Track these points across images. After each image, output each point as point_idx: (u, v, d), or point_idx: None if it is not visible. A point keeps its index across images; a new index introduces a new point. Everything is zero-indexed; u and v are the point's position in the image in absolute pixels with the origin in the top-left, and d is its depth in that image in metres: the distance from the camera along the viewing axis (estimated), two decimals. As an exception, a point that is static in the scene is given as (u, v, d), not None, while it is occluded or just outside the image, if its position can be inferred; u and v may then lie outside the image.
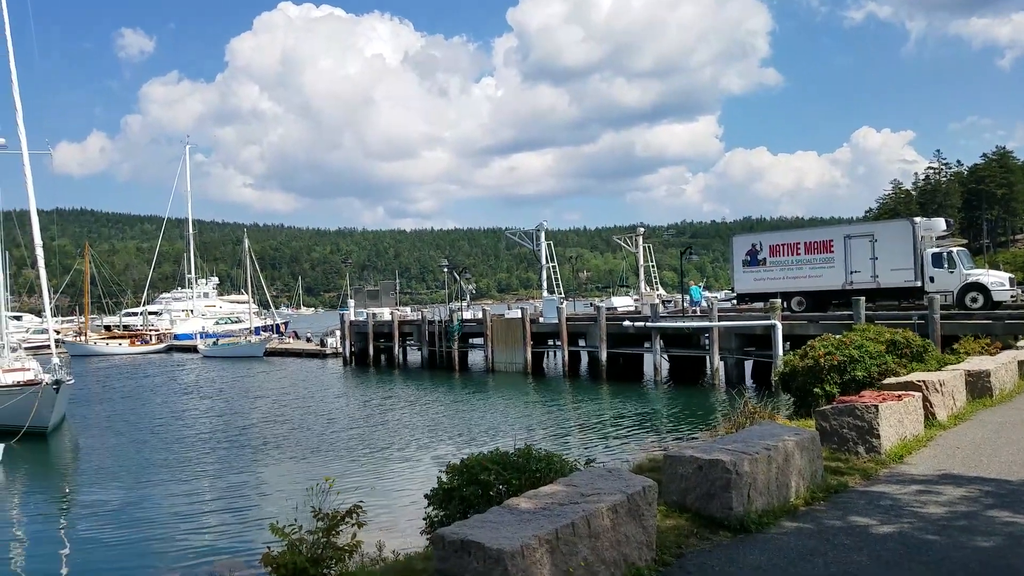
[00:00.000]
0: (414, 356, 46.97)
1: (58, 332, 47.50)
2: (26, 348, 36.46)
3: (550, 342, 38.24)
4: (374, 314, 48.33)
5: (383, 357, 47.82)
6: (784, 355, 19.48)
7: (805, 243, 30.67)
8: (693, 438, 18.77)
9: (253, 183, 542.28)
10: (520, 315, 37.32)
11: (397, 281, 62.32)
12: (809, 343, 14.65)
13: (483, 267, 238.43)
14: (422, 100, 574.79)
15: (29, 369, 28.66)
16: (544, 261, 42.40)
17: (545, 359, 40.56)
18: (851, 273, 29.19)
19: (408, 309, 56.98)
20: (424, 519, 9.45)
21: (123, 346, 69.81)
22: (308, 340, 65.61)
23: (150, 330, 79.30)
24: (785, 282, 30.69)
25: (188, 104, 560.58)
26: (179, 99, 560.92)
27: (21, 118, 29.18)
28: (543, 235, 42.11)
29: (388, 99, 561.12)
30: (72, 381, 27.31)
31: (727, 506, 6.33)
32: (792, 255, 30.78)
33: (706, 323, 29.80)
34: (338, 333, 53.50)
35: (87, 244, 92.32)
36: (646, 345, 32.56)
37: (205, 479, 18.25)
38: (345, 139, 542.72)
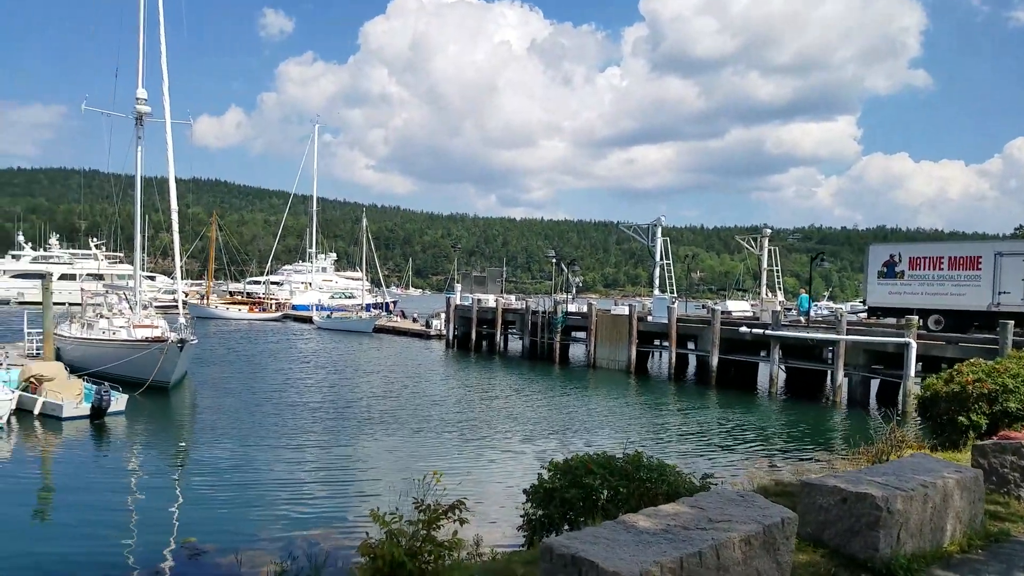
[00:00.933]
0: (515, 344, 46.90)
1: (186, 294, 50.59)
2: (156, 307, 38.91)
3: (657, 342, 37.03)
4: (479, 300, 48.61)
5: (484, 343, 48.02)
6: (920, 377, 17.78)
7: (949, 258, 28.06)
8: (813, 460, 17.46)
9: (375, 165, 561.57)
10: (627, 312, 36.34)
11: (504, 269, 62.42)
12: (956, 367, 13.11)
13: (591, 260, 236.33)
14: (545, 88, 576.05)
15: (157, 327, 30.48)
16: (658, 258, 41.08)
17: (650, 359, 39.38)
18: (999, 294, 26.51)
19: (512, 297, 56.99)
20: (522, 516, 9.00)
21: (242, 312, 73.69)
22: (414, 320, 66.90)
23: (270, 299, 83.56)
24: (923, 298, 28.28)
25: (321, 84, 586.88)
26: (313, 79, 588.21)
27: (167, 89, 31.00)
28: (659, 231, 40.78)
29: (511, 86, 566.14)
30: (195, 341, 28.82)
31: (872, 546, 5.54)
32: (933, 270, 28.26)
33: (832, 335, 27.81)
34: (443, 316, 54.21)
35: (215, 213, 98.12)
36: (762, 354, 30.77)
37: (310, 448, 18.64)
38: (466, 125, 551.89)
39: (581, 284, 47.57)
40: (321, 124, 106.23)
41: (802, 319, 31.71)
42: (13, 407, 20.49)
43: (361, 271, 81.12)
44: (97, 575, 10.80)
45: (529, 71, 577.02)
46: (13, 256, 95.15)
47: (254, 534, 12.42)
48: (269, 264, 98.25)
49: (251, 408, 24.06)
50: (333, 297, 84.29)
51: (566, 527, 8.48)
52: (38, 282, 68.19)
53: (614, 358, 36.45)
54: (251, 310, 75.19)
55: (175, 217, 31.42)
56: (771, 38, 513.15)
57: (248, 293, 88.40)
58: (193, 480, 15.83)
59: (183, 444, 19.60)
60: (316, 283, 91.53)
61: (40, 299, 31.42)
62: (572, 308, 42.20)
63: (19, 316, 35.67)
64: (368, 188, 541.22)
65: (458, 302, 50.65)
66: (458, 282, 58.26)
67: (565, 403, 27.25)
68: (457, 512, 6.13)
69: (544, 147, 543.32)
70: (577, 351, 42.37)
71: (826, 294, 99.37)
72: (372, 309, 71.89)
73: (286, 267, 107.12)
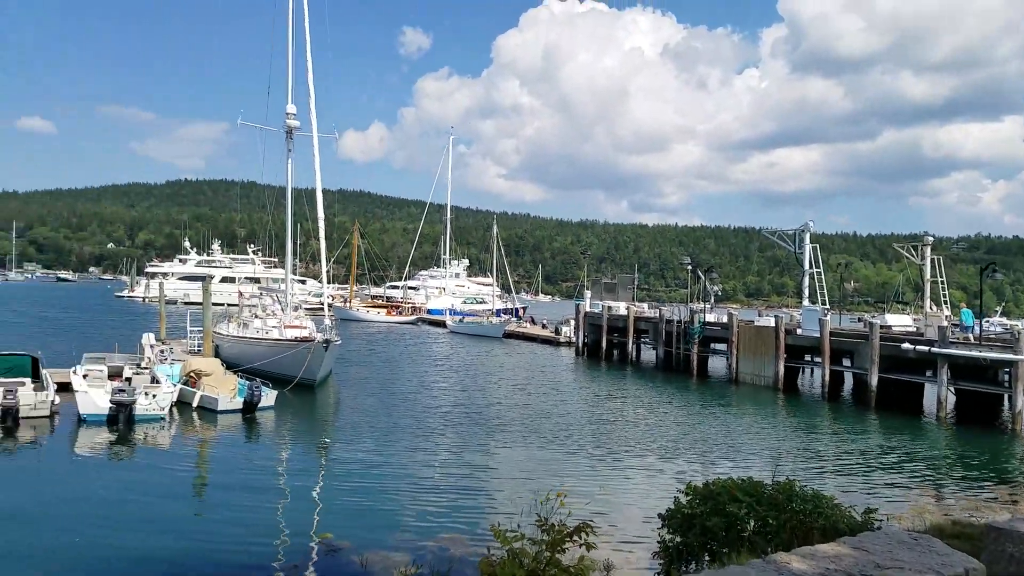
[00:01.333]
0: (648, 355, 45.53)
1: (331, 298, 53.30)
2: (305, 309, 41.13)
3: (807, 357, 34.51)
4: (609, 307, 47.70)
5: (615, 352, 47.01)
6: None
7: None
8: (992, 496, 15.39)
9: (506, 174, 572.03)
10: (774, 323, 34.11)
11: (636, 275, 61.01)
12: None
13: (730, 268, 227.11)
14: (678, 92, 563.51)
15: (306, 328, 32.10)
16: (807, 266, 38.39)
17: (800, 376, 36.84)
18: None
19: (645, 305, 55.55)
20: (659, 542, 8.40)
21: (380, 315, 76.85)
22: (544, 327, 66.88)
23: (407, 303, 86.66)
24: None
25: (456, 98, 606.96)
26: (448, 93, 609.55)
27: (313, 104, 32.65)
28: (807, 237, 38.10)
29: (643, 92, 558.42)
30: (339, 342, 30.06)
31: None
32: None
33: (1009, 355, 24.66)
34: (572, 323, 53.71)
35: (356, 222, 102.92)
36: (928, 373, 27.70)
37: (442, 453, 18.77)
38: (597, 132, 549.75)
39: (720, 292, 45.41)
40: (455, 136, 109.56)
41: (969, 336, 28.37)
42: (174, 399, 22.10)
43: (492, 277, 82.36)
44: (241, 560, 11.26)
45: (661, 75, 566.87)
46: (180, 260, 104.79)
47: (386, 534, 12.50)
48: (407, 270, 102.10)
49: (388, 409, 24.70)
50: (465, 302, 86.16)
51: (706, 558, 7.80)
52: (201, 284, 74.50)
53: (759, 373, 34.30)
54: (388, 313, 78.29)
55: (322, 225, 32.96)
56: (923, 34, 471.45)
57: (388, 297, 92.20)
58: (332, 476, 16.30)
59: (325, 440, 20.35)
60: (449, 288, 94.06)
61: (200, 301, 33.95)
62: (711, 318, 40.34)
63: (184, 315, 38.93)
64: (499, 196, 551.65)
65: (588, 309, 49.96)
66: (588, 289, 57.56)
67: (703, 419, 25.91)
68: (583, 535, 5.68)
69: (677, 151, 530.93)
70: (716, 364, 40.50)
71: (998, 309, 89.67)
72: (502, 314, 72.73)
73: (422, 272, 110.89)
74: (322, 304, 34.54)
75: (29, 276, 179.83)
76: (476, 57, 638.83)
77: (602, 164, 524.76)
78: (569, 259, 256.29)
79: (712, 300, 43.75)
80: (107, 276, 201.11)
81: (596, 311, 48.49)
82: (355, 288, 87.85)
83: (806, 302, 37.85)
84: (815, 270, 38.34)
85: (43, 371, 22.41)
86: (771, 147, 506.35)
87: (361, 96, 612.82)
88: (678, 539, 8.04)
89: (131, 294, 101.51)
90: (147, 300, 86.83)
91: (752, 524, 7.60)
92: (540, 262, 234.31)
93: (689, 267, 50.24)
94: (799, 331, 33.88)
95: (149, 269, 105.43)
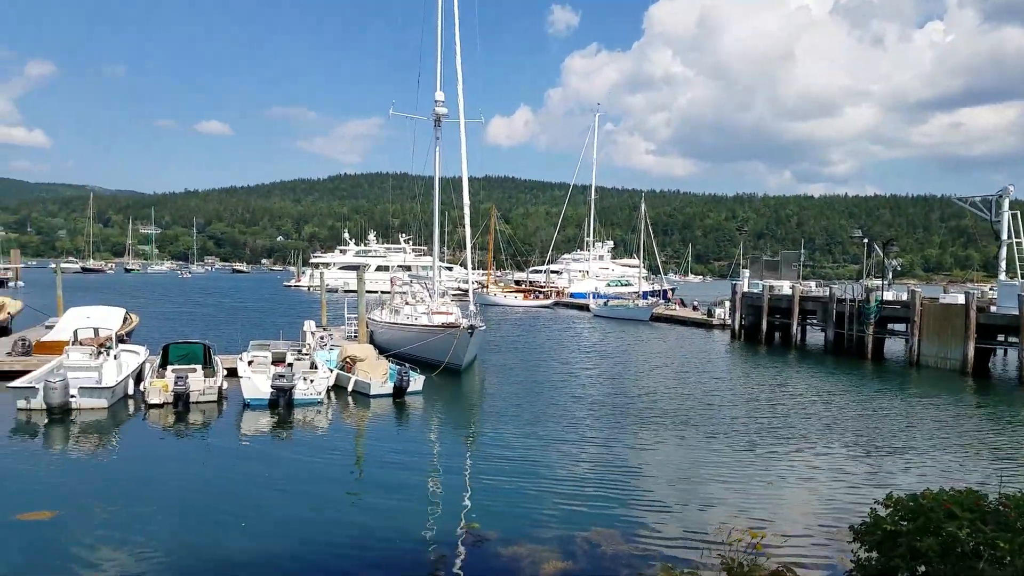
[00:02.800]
0: (814, 337, 42.26)
1: (477, 284, 54.03)
2: (452, 295, 41.72)
3: (1001, 337, 30.34)
4: (771, 286, 44.63)
5: (777, 334, 43.99)
6: None
7: None
8: None
9: (655, 149, 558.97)
10: (963, 300, 30.17)
11: (800, 251, 56.72)
12: None
13: (907, 240, 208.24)
14: (849, 52, 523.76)
15: (452, 314, 32.35)
16: (1005, 236, 33.66)
17: (992, 358, 32.51)
18: None
19: (812, 284, 51.59)
20: (853, 560, 7.13)
21: (518, 299, 77.22)
22: (694, 308, 64.41)
23: (550, 287, 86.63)
24: None
25: (604, 73, 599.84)
26: (596, 69, 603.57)
27: (461, 89, 32.56)
28: (1006, 204, 33.37)
29: (809, 53, 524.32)
30: (484, 327, 29.92)
31: None
32: None
33: None
34: (727, 304, 51.16)
35: (493, 207, 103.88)
36: None
37: (589, 443, 17.84)
38: (756, 99, 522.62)
39: (899, 268, 41.08)
40: (601, 113, 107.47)
41: None
42: (330, 384, 22.83)
43: (638, 258, 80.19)
44: (390, 546, 11.12)
45: (830, 35, 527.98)
46: (341, 251, 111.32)
47: (533, 527, 11.87)
48: (549, 253, 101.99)
49: (532, 396, 24.15)
50: (609, 285, 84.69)
51: (918, 585, 6.46)
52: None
53: (944, 356, 30.55)
54: (525, 297, 78.81)
55: (467, 211, 32.95)
56: None
57: (530, 282, 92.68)
58: (478, 463, 15.93)
59: (471, 427, 20.12)
60: (593, 271, 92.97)
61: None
62: (888, 296, 36.51)
63: (343, 303, 40.72)
64: (646, 173, 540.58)
65: (746, 289, 47.11)
66: (745, 267, 54.30)
67: (883, 410, 23.16)
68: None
69: (848, 115, 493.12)
70: (894, 347, 36.73)
71: None
72: (649, 297, 70.64)
73: (565, 256, 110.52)
74: (467, 289, 34.74)
75: (208, 269, 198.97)
76: (626, 30, 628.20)
77: (762, 133, 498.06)
78: (722, 236, 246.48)
79: (890, 276, 39.63)
80: (277, 267, 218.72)
81: (755, 291, 45.63)
82: (499, 273, 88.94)
83: (1003, 276, 33.28)
84: (1014, 240, 33.53)
85: (214, 358, 23.89)
86: (956, 106, 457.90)
87: (507, 81, 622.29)
88: (878, 559, 6.78)
89: (297, 284, 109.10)
90: (311, 289, 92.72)
91: (976, 548, 6.19)
92: (690, 240, 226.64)
93: (864, 240, 45.76)
94: (993, 309, 29.87)
95: (313, 260, 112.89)
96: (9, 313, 34.01)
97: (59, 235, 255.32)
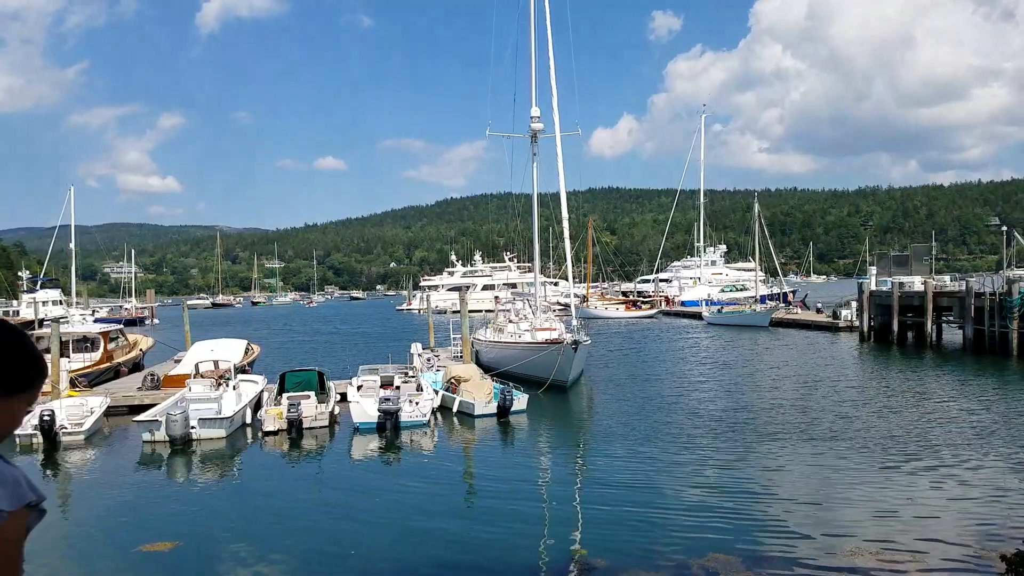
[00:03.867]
0: (951, 335, 38.87)
1: (578, 299, 53.31)
2: (556, 310, 41.23)
3: None
4: (900, 283, 41.39)
5: (910, 334, 40.71)
6: None
7: None
8: None
9: (768, 147, 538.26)
10: None
11: (932, 244, 52.33)
12: None
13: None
14: (977, 29, 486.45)
15: (555, 329, 31.86)
16: None
17: None
18: None
19: (947, 278, 47.46)
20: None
21: (619, 311, 75.67)
22: (818, 311, 60.92)
23: (659, 295, 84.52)
24: None
25: (710, 74, 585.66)
26: (702, 71, 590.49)
27: (555, 103, 32.29)
28: None
29: (931, 34, 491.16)
30: (589, 342, 29.20)
31: None
32: None
33: None
34: (854, 304, 48.06)
35: (591, 219, 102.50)
36: None
37: (705, 462, 16.58)
38: (875, 87, 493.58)
39: (1043, 256, 37.15)
40: (708, 114, 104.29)
41: None
42: (436, 405, 22.86)
43: (754, 261, 76.74)
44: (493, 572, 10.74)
45: (953, 13, 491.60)
46: (448, 273, 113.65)
47: (645, 553, 11.14)
48: (657, 262, 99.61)
49: (642, 412, 23.12)
50: (723, 291, 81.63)
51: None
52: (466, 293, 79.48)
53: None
54: (627, 308, 77.26)
55: (566, 225, 32.54)
56: None
57: (638, 292, 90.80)
58: (585, 485, 15.31)
59: (577, 447, 19.48)
60: (705, 277, 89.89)
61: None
62: (1034, 286, 32.95)
63: (450, 324, 41.16)
64: (760, 173, 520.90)
65: (873, 287, 43.95)
66: (872, 264, 50.72)
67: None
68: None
69: (977, 97, 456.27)
70: (1039, 342, 33.00)
71: None
72: (767, 301, 67.37)
73: (675, 264, 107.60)
74: (563, 305, 34.25)
75: (328, 297, 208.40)
76: (731, 28, 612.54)
77: (883, 122, 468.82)
78: (846, 233, 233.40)
79: (1035, 264, 35.85)
80: (390, 292, 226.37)
81: (884, 289, 42.52)
82: (604, 285, 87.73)
83: None
84: None
85: (328, 384, 24.53)
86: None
87: (609, 92, 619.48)
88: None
89: (408, 307, 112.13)
90: (421, 312, 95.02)
91: None
92: (811, 239, 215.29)
93: (1004, 228, 41.69)
94: None
95: (422, 283, 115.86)
96: (141, 350, 36.47)
97: (191, 274, 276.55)
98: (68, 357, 28.54)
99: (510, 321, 35.19)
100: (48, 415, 19.15)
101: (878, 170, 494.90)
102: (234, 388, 22.20)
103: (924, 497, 13.73)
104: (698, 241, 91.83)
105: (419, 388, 24.28)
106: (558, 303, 37.56)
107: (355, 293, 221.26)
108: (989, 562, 10.05)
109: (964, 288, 36.81)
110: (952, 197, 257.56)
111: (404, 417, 20.71)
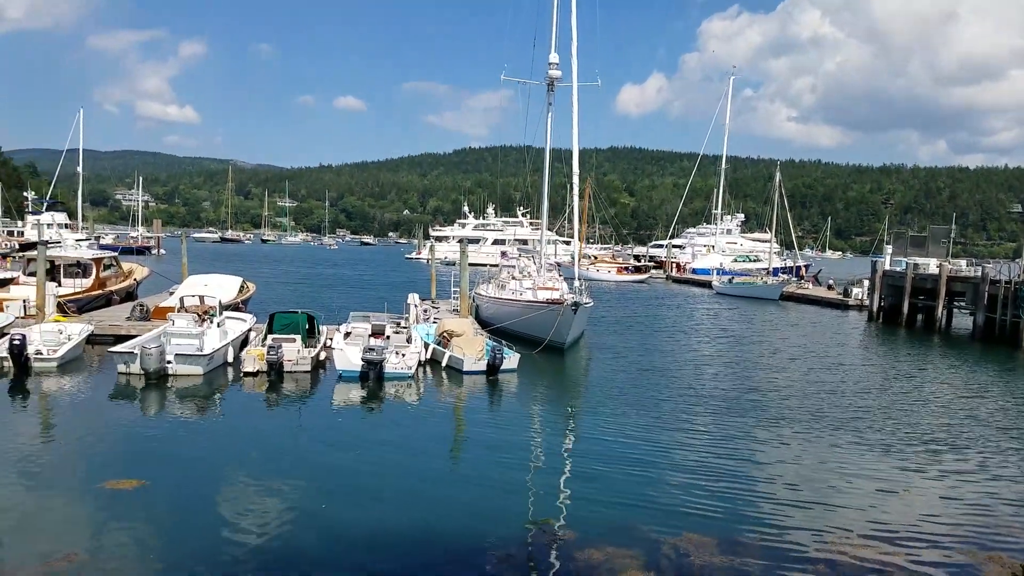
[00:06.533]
0: (960, 321, 38.04)
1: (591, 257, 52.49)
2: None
3: None
4: (916, 265, 40.35)
5: (919, 317, 39.89)
6: None
7: None
8: None
9: (797, 116, 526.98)
10: None
11: (951, 227, 50.94)
12: None
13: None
14: (1021, 8, 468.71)
15: (558, 290, 31.16)
16: None
17: None
18: None
19: (963, 263, 46.25)
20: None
21: (611, 273, 75.10)
22: (829, 287, 59.94)
23: (670, 261, 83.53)
24: None
25: (746, 36, 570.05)
26: (737, 32, 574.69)
27: (575, 49, 30.99)
28: None
29: (974, 11, 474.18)
30: (590, 304, 28.48)
31: None
32: None
33: None
34: (866, 283, 47.14)
35: (588, 180, 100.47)
36: None
37: (697, 439, 15.87)
38: (912, 63, 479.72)
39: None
40: (738, 77, 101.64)
41: None
42: (423, 358, 22.33)
43: (770, 232, 75.32)
44: (459, 541, 10.32)
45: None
46: (460, 224, 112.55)
47: (619, 528, 10.66)
48: (672, 227, 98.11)
49: (637, 380, 22.49)
50: (736, 260, 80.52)
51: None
52: (476, 247, 78.83)
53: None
54: (619, 272, 76.68)
55: (576, 181, 31.61)
56: None
57: (650, 256, 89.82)
58: (565, 455, 14.79)
59: (564, 411, 19.01)
60: (719, 246, 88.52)
61: (473, 261, 34.58)
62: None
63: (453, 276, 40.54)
64: (786, 143, 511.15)
65: (887, 267, 42.91)
66: (888, 243, 49.49)
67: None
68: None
69: (1015, 78, 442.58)
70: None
71: None
72: (780, 274, 66.27)
73: (689, 230, 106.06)
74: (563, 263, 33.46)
75: (339, 241, 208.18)
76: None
77: (917, 99, 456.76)
78: (866, 210, 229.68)
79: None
80: (402, 240, 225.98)
81: (898, 269, 41.50)
82: (617, 248, 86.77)
83: None
84: None
85: (320, 328, 24.01)
86: None
87: (641, 47, 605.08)
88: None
89: (418, 256, 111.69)
90: (429, 261, 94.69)
91: None
92: (830, 214, 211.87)
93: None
94: None
95: (433, 233, 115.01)
96: (136, 279, 36.03)
97: (203, 206, 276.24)
98: (58, 282, 28.17)
99: (513, 278, 34.49)
100: (19, 340, 18.77)
101: (906, 147, 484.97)
102: (218, 325, 21.73)
103: (916, 486, 13.20)
104: (716, 208, 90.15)
105: (409, 340, 23.76)
106: (556, 263, 36.73)
107: (366, 238, 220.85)
108: (988, 558, 9.53)
109: (979, 274, 35.72)
110: (976, 180, 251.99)
111: (388, 368, 20.21)
